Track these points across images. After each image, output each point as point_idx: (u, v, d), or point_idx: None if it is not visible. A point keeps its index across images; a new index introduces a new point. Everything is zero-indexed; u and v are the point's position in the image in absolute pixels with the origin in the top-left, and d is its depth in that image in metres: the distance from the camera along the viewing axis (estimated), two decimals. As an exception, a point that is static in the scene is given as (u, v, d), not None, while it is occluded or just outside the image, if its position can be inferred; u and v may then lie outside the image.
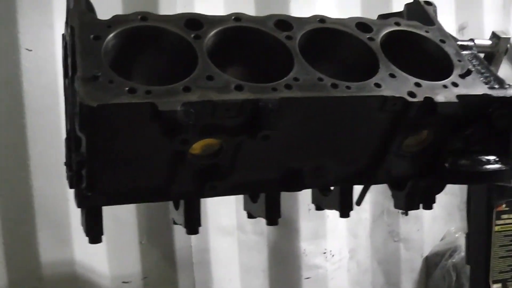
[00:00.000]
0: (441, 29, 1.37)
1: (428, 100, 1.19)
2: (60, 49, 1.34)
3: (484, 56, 1.51)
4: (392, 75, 1.21)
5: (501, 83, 1.31)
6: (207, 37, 1.16)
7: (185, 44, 1.15)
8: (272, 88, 1.11)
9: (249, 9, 2.07)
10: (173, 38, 1.17)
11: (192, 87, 1.07)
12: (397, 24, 1.35)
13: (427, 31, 1.35)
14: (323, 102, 1.14)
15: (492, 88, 1.28)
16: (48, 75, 1.76)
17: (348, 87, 1.16)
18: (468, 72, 1.26)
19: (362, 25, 1.31)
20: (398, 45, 1.31)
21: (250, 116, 1.09)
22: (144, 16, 1.18)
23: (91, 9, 1.22)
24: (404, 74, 1.22)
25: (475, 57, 1.39)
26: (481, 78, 1.30)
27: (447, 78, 1.26)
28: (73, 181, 1.15)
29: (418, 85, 1.21)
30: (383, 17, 1.49)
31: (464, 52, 1.38)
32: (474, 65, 1.36)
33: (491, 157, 1.29)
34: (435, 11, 1.44)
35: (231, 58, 1.22)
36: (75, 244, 1.88)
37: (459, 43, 1.40)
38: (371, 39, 1.28)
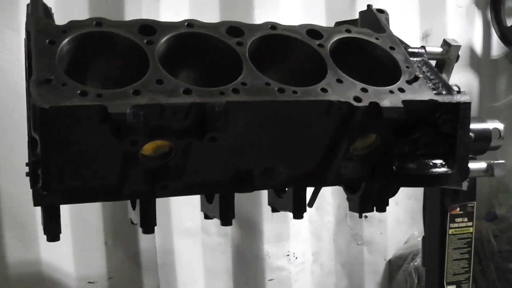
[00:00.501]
0: (391, 36, 1.42)
1: (373, 105, 1.23)
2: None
3: (436, 63, 1.56)
4: (339, 80, 1.26)
5: (449, 89, 1.35)
6: (160, 43, 1.20)
7: (137, 49, 1.19)
8: (219, 92, 1.15)
9: (214, 16, 2.10)
10: (126, 43, 1.20)
11: (141, 90, 1.10)
12: (348, 31, 1.40)
13: (377, 38, 1.40)
14: (269, 106, 1.18)
15: (439, 94, 1.33)
16: (13, 78, 1.79)
17: (294, 92, 1.20)
18: (415, 78, 1.31)
19: (313, 32, 1.35)
20: (348, 51, 1.36)
21: (197, 119, 1.13)
22: (99, 21, 1.21)
23: (48, 15, 1.25)
24: (351, 79, 1.26)
25: (425, 63, 1.44)
26: (429, 84, 1.35)
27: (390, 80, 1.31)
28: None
29: (364, 90, 1.26)
30: (339, 24, 1.53)
31: (414, 59, 1.43)
32: (423, 72, 1.40)
33: (438, 161, 1.33)
34: (387, 19, 1.48)
35: (183, 63, 1.26)
36: (41, 244, 1.90)
37: (410, 50, 1.44)
38: (320, 45, 1.32)
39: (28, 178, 1.28)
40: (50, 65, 1.10)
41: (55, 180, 1.17)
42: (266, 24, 1.33)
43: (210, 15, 2.07)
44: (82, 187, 1.21)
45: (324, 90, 1.23)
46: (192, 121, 1.13)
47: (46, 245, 1.89)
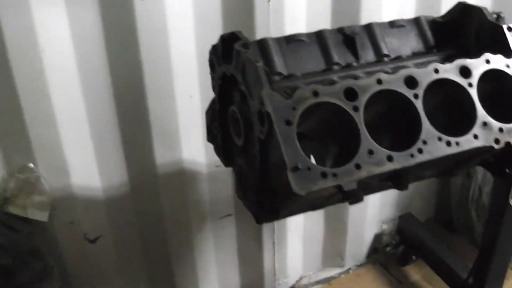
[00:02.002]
0: None
1: (507, 144, 1.66)
2: None
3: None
4: (485, 124, 1.64)
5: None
6: (362, 107, 1.52)
7: (347, 115, 1.52)
8: (410, 155, 1.55)
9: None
10: (338, 110, 1.52)
11: (360, 164, 1.49)
12: (488, 62, 1.71)
13: (508, 66, 1.72)
14: (442, 159, 1.59)
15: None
16: (158, 18, 2.04)
17: (457, 143, 1.60)
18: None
19: (464, 69, 1.67)
20: (488, 83, 1.69)
21: (393, 175, 1.55)
22: (315, 91, 1.50)
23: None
24: (491, 119, 1.64)
25: None
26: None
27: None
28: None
29: (501, 130, 1.66)
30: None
31: None
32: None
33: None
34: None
35: (380, 122, 1.59)
36: (183, 147, 2.33)
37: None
38: (470, 85, 1.66)
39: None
40: (295, 150, 1.44)
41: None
42: (432, 66, 1.63)
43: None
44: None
45: (475, 136, 1.62)
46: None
47: (185, 147, 2.35)
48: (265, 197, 1.59)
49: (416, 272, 3.06)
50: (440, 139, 1.58)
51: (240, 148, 1.70)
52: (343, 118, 1.52)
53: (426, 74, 1.62)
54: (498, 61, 1.70)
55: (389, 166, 1.51)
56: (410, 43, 1.90)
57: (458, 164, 1.67)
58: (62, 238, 2.32)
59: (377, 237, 3.16)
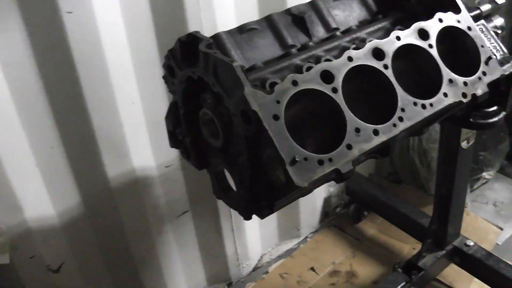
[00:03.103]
0: (467, 16, 1.79)
1: (473, 96, 1.72)
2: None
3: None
4: (451, 81, 1.69)
5: (503, 51, 1.83)
6: (340, 88, 1.53)
7: (329, 99, 1.52)
8: (393, 125, 1.57)
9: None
10: (320, 95, 1.52)
11: (351, 144, 1.50)
12: (441, 21, 1.75)
13: (458, 21, 1.78)
14: (421, 122, 1.62)
15: (501, 63, 1.81)
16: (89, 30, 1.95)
17: (431, 105, 1.64)
18: (489, 58, 1.77)
19: (422, 31, 1.70)
20: (445, 41, 1.74)
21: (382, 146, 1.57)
22: (294, 80, 1.49)
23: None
24: (456, 77, 1.70)
25: (484, 27, 1.85)
26: (494, 57, 1.80)
27: (475, 64, 1.76)
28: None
29: (465, 84, 1.71)
30: None
31: (476, 24, 1.82)
32: (486, 36, 1.83)
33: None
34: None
35: (358, 97, 1.60)
36: (132, 155, 2.28)
37: (471, 14, 1.83)
38: (430, 46, 1.70)
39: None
40: (288, 143, 1.43)
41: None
42: (393, 34, 1.66)
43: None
44: None
45: (445, 95, 1.67)
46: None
47: (134, 154, 2.29)
48: (258, 193, 1.56)
49: (370, 226, 3.15)
50: (415, 104, 1.61)
51: (218, 149, 1.66)
52: (324, 102, 1.52)
53: (390, 43, 1.64)
54: (449, 18, 1.75)
55: (377, 140, 1.53)
56: (354, 13, 1.91)
57: (429, 123, 1.70)
58: (25, 275, 2.22)
59: (327, 201, 3.22)
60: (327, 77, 1.52)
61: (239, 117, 1.47)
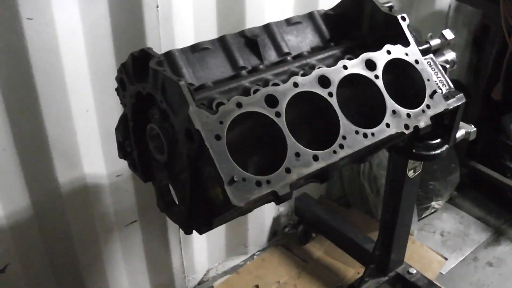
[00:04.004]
0: (415, 50, 1.84)
1: (415, 128, 1.77)
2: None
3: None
4: (394, 112, 1.74)
5: (449, 85, 1.89)
6: (283, 112, 1.57)
7: (272, 123, 1.56)
8: (333, 151, 1.61)
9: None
10: (263, 119, 1.56)
11: (290, 168, 1.53)
12: (389, 52, 1.80)
13: (406, 54, 1.83)
14: (363, 150, 1.67)
15: (446, 97, 1.86)
16: (49, 37, 1.96)
17: (373, 134, 1.69)
18: (434, 92, 1.82)
19: (369, 62, 1.75)
20: (392, 72, 1.79)
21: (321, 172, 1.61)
22: (239, 102, 1.53)
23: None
24: (400, 108, 1.75)
25: (433, 61, 1.91)
26: (438, 85, 1.86)
27: (420, 96, 1.81)
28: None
29: (408, 115, 1.77)
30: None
31: (424, 58, 1.88)
32: (433, 70, 1.89)
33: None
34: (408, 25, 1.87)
35: (301, 123, 1.64)
36: (84, 162, 2.28)
37: (420, 48, 1.88)
38: (376, 76, 1.75)
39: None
40: (228, 163, 1.46)
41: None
42: (340, 63, 1.70)
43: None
44: None
45: (387, 125, 1.72)
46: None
47: (86, 161, 2.29)
48: (197, 210, 1.59)
49: (317, 248, 3.18)
50: (357, 132, 1.66)
51: (163, 164, 1.69)
52: (267, 125, 1.56)
53: (337, 72, 1.69)
54: (398, 51, 1.80)
55: (316, 166, 1.57)
56: (308, 39, 1.96)
57: (371, 151, 1.75)
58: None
59: (276, 220, 3.25)
60: (271, 101, 1.56)
61: (183, 135, 1.49)
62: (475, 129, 2.02)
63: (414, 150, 1.92)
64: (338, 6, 2.04)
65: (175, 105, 1.51)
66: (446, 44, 1.96)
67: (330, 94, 1.65)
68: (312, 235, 3.24)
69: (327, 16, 2.02)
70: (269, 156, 1.60)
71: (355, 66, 1.73)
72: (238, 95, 1.66)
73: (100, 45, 2.14)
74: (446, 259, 3.05)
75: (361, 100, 1.76)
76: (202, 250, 3.03)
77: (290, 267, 3.07)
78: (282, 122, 1.55)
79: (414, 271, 2.65)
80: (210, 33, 2.39)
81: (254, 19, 2.44)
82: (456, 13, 3.53)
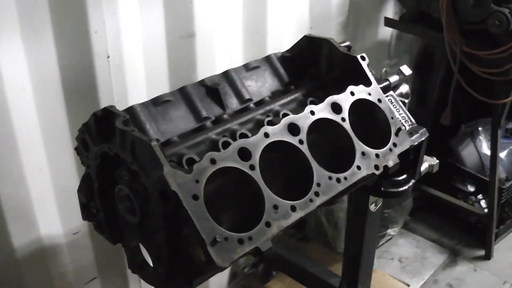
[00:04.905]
0: (377, 88, 1.85)
1: (385, 167, 1.77)
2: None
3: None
4: (363, 153, 1.74)
5: (411, 120, 1.91)
6: (257, 165, 1.54)
7: (246, 176, 1.53)
8: (310, 200, 1.60)
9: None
10: (238, 173, 1.52)
11: (270, 221, 1.51)
12: (352, 94, 1.80)
13: (369, 93, 1.84)
14: (338, 195, 1.66)
15: (410, 133, 1.88)
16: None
17: (345, 178, 1.68)
18: (399, 129, 1.83)
19: (335, 105, 1.75)
20: (356, 113, 1.79)
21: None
22: (212, 159, 1.49)
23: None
24: (368, 149, 1.75)
25: (393, 98, 1.92)
26: (403, 126, 1.87)
27: (385, 135, 1.82)
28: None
29: (377, 156, 1.77)
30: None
31: (386, 95, 1.89)
32: (395, 107, 1.90)
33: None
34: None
35: (274, 171, 1.61)
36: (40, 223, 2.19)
37: (380, 86, 1.90)
38: (343, 119, 1.75)
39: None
40: (209, 223, 1.42)
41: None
42: (307, 109, 1.69)
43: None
44: None
45: (358, 167, 1.72)
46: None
47: (42, 222, 2.20)
48: (175, 270, 1.54)
49: (280, 286, 3.15)
50: (330, 178, 1.65)
51: (134, 225, 1.63)
52: (241, 178, 1.53)
53: (305, 118, 1.67)
54: (360, 91, 1.80)
55: (294, 217, 1.55)
56: (267, 83, 1.95)
57: (343, 194, 1.74)
58: None
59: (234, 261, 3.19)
60: (244, 154, 1.54)
61: (156, 196, 1.45)
62: (438, 161, 2.04)
63: (382, 188, 1.91)
64: (294, 47, 2.04)
65: (147, 166, 1.46)
66: (404, 80, 1.98)
67: (301, 142, 1.64)
68: (273, 273, 3.20)
69: (284, 58, 2.01)
70: (245, 210, 1.57)
71: (322, 110, 1.72)
72: (206, 148, 1.64)
73: (51, 100, 2.06)
74: (408, 285, 3.07)
75: (330, 143, 1.76)
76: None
77: (253, 307, 3.02)
78: (257, 175, 1.53)
79: (381, 302, 2.65)
80: (162, 83, 2.35)
81: (205, 67, 2.42)
82: (398, 41, 3.60)
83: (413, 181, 1.95)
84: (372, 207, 2.35)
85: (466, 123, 3.42)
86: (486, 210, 3.21)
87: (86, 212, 1.81)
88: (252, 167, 1.53)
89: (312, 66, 1.99)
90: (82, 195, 1.79)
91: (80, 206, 1.83)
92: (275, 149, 1.62)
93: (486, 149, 3.28)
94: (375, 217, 2.41)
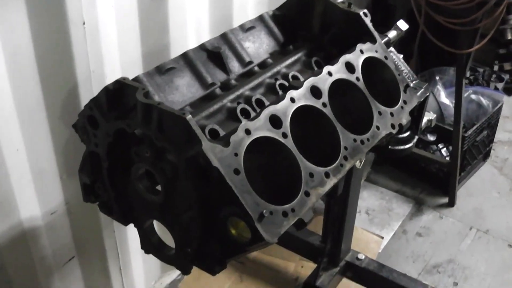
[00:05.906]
0: (382, 45, 1.81)
1: (399, 125, 1.74)
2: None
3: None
4: (380, 113, 1.70)
5: (413, 76, 1.88)
6: (289, 132, 1.47)
7: (280, 144, 1.45)
8: (340, 165, 1.55)
9: None
10: (273, 142, 1.45)
11: (308, 190, 1.45)
12: (362, 52, 1.75)
13: (376, 51, 1.79)
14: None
15: (414, 88, 1.85)
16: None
17: (368, 139, 1.64)
18: (407, 86, 1.80)
19: (349, 65, 1.69)
20: (367, 72, 1.74)
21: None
22: (247, 129, 1.40)
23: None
24: (383, 108, 1.71)
25: (395, 55, 1.88)
26: (406, 76, 1.84)
27: (392, 93, 1.78)
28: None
29: (392, 114, 1.73)
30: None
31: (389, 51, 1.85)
32: (397, 63, 1.86)
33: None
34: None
35: (304, 138, 1.54)
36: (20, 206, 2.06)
37: (382, 41, 1.85)
38: (357, 79, 1.70)
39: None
40: (254, 198, 1.34)
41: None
42: (325, 70, 1.63)
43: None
44: None
45: (377, 128, 1.68)
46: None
47: (22, 205, 2.06)
48: (207, 251, 1.46)
49: (256, 253, 3.10)
50: (355, 140, 1.60)
51: (154, 205, 1.52)
52: (275, 148, 1.45)
53: (324, 80, 1.61)
54: (368, 49, 1.75)
55: (330, 183, 1.50)
56: (264, 44, 1.88)
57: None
58: None
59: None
60: (275, 122, 1.46)
61: (192, 174, 1.35)
62: (435, 115, 2.03)
63: (390, 147, 1.88)
64: (283, 6, 1.95)
65: (177, 142, 1.36)
66: (401, 35, 1.94)
67: (324, 105, 1.58)
68: (245, 235, 3.14)
69: (276, 17, 1.93)
70: (276, 181, 1.49)
71: (338, 71, 1.66)
72: (224, 117, 1.57)
73: (24, 74, 1.89)
74: (382, 237, 3.10)
75: (348, 106, 1.70)
76: (141, 271, 2.85)
77: (229, 271, 2.96)
78: (290, 143, 1.46)
79: (363, 257, 2.66)
80: (134, 50, 2.20)
81: (176, 30, 2.28)
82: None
83: (416, 137, 1.92)
84: (357, 164, 2.33)
85: (420, 73, 3.43)
86: (448, 158, 3.26)
87: (89, 193, 1.68)
88: (284, 135, 1.46)
89: (302, 26, 1.91)
90: (84, 176, 1.66)
91: (82, 187, 1.70)
92: (299, 117, 1.54)
93: (444, 98, 3.32)
94: (360, 174, 2.39)
